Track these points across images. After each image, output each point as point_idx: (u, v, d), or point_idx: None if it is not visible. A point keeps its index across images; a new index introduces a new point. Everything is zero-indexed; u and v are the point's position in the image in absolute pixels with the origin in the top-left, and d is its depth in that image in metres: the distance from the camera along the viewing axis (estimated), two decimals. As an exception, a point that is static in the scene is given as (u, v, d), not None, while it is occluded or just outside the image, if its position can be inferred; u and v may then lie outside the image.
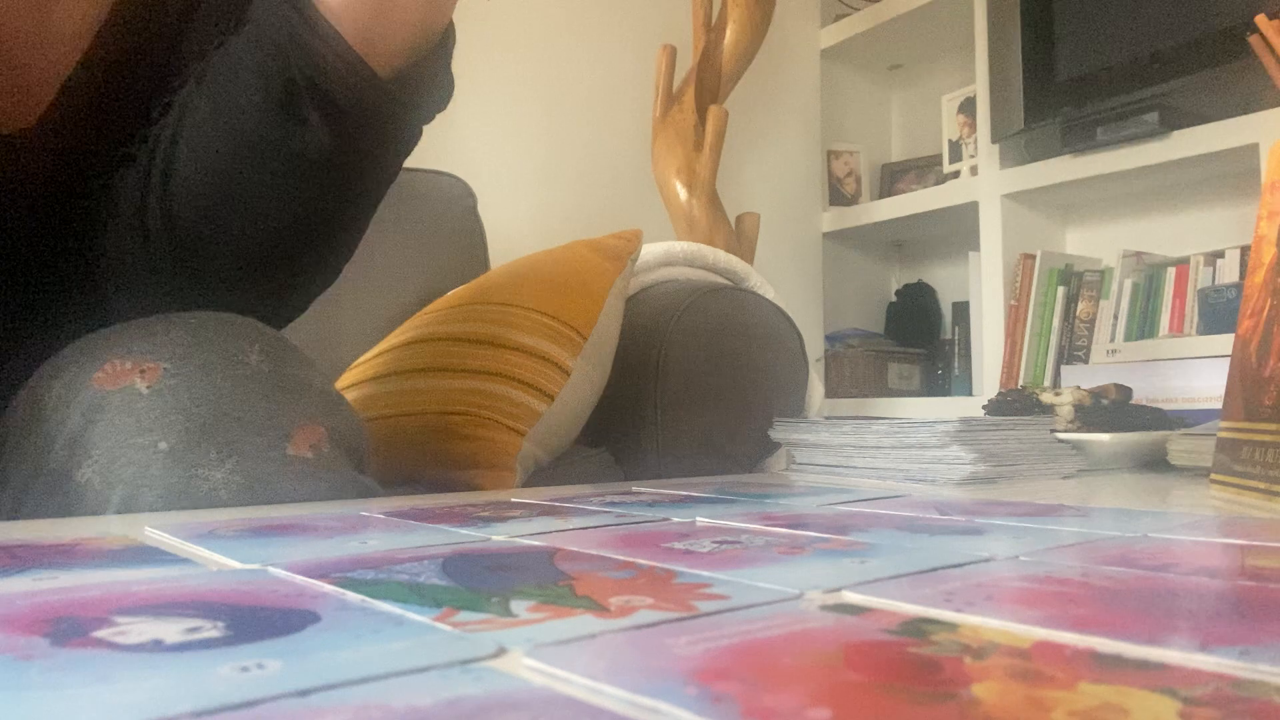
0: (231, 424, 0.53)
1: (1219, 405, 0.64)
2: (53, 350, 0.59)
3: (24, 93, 0.58)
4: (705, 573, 0.30)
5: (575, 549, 0.35)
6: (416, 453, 0.91)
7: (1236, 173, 1.62)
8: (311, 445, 0.56)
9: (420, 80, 0.60)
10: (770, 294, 1.23)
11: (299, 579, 0.30)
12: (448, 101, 0.64)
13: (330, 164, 0.59)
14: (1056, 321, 1.78)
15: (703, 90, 1.77)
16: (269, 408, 0.55)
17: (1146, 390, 1.20)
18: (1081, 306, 1.77)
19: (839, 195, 2.25)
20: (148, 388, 0.52)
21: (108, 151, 0.60)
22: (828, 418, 0.97)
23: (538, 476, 0.96)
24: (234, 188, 0.59)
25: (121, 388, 0.52)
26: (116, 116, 0.59)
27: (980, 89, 1.88)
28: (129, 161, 0.60)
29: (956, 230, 2.06)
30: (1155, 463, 0.81)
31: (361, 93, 0.57)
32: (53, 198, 0.60)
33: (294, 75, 0.56)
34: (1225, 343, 1.35)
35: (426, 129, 0.66)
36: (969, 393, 1.98)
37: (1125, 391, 0.91)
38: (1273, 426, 0.55)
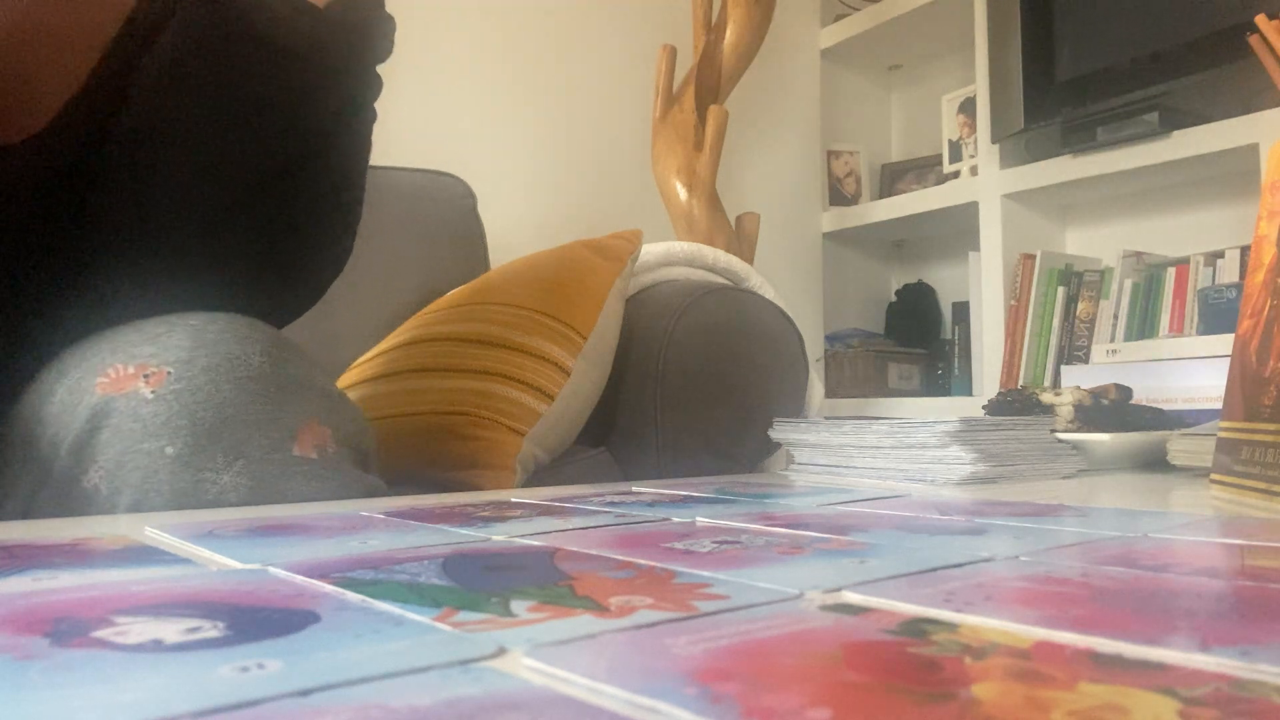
0: (237, 427, 0.53)
1: (1219, 405, 0.64)
2: (54, 347, 0.59)
3: (32, 104, 0.58)
4: (705, 573, 0.30)
5: (575, 549, 0.35)
6: (416, 453, 0.91)
7: (1236, 173, 1.62)
8: (316, 446, 0.56)
9: (357, 11, 0.61)
10: (770, 294, 1.23)
11: (299, 579, 0.30)
12: (392, 38, 0.66)
13: (287, 103, 0.60)
14: (1056, 321, 1.78)
15: (703, 90, 1.77)
16: (273, 409, 0.55)
17: (1146, 390, 1.19)
18: (1081, 306, 1.77)
19: (839, 195, 2.25)
20: (153, 393, 0.53)
21: (101, 151, 0.61)
22: (828, 418, 0.96)
23: (538, 476, 0.96)
24: (198, 136, 0.60)
25: (126, 393, 0.53)
26: (112, 122, 0.60)
27: (980, 89, 1.88)
28: (109, 149, 0.61)
29: (956, 230, 2.06)
30: (1155, 463, 0.81)
31: (304, 28, 0.58)
32: (51, 198, 0.60)
33: (236, 25, 0.57)
34: (1225, 343, 1.35)
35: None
36: (969, 393, 1.98)
37: (1125, 391, 0.91)
38: (1273, 426, 0.55)
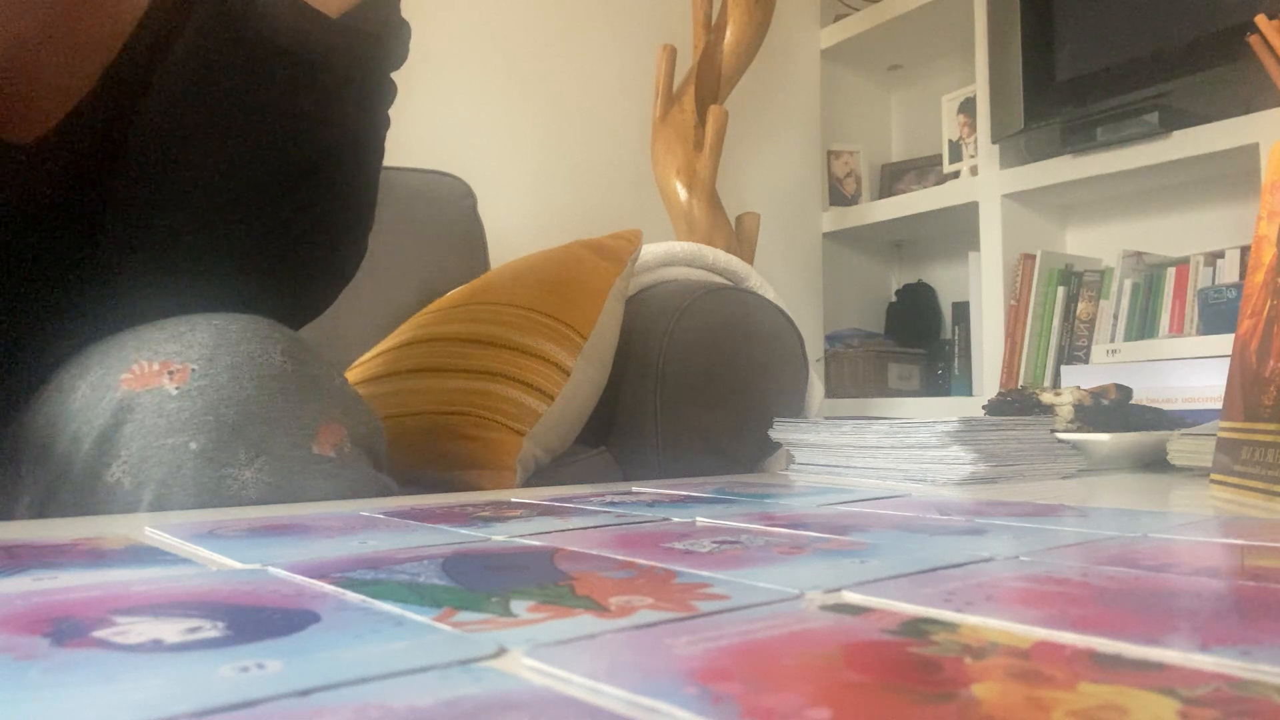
0: (260, 424, 0.54)
1: (1219, 405, 0.64)
2: (65, 351, 0.59)
3: (40, 105, 0.58)
4: (705, 573, 0.30)
5: (575, 549, 0.35)
6: (416, 453, 0.91)
7: (1236, 173, 1.62)
8: (334, 445, 0.57)
9: (372, 19, 0.61)
10: (770, 294, 1.23)
11: (299, 579, 0.30)
12: (408, 44, 0.65)
13: (302, 110, 0.60)
14: (1056, 321, 1.78)
15: (703, 90, 1.77)
16: (294, 407, 0.56)
17: (1146, 390, 1.20)
18: (1081, 306, 1.77)
19: (839, 195, 2.25)
20: (177, 389, 0.53)
21: (113, 156, 0.61)
22: (828, 418, 0.96)
23: (538, 476, 0.96)
24: (212, 141, 0.60)
25: (150, 388, 0.53)
26: (126, 126, 0.60)
27: (980, 89, 1.88)
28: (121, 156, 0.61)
29: (956, 230, 2.06)
30: (1155, 463, 0.81)
31: (317, 36, 0.58)
32: (66, 198, 0.61)
33: (249, 35, 0.57)
34: (1225, 343, 1.35)
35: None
36: (969, 393, 1.98)
37: (1125, 391, 0.91)
38: (1273, 426, 0.55)
